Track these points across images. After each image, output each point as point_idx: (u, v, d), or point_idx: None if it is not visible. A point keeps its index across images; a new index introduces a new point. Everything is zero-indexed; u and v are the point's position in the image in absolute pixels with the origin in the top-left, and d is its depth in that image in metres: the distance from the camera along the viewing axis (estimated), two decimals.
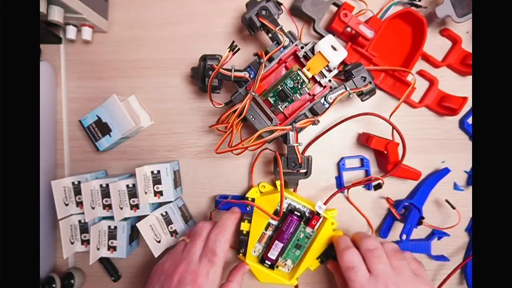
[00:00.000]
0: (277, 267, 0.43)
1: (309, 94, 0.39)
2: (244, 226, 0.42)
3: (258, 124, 0.38)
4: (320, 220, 0.41)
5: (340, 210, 0.44)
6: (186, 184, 0.46)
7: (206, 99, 0.44)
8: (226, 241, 0.37)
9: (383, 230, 0.45)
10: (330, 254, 0.41)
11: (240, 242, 0.43)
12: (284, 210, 0.42)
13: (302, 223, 0.41)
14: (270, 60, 0.37)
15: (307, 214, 0.42)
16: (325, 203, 0.42)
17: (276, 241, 0.41)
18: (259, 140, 0.37)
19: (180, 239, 0.39)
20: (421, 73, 0.43)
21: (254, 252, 0.43)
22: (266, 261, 0.42)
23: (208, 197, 0.46)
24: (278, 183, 0.41)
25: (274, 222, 0.42)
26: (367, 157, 0.45)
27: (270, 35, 0.37)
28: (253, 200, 0.42)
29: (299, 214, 0.41)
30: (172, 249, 0.38)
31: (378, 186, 0.42)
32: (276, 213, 0.41)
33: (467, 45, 0.43)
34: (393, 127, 0.40)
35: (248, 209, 0.41)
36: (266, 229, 0.43)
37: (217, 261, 0.35)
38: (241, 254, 0.43)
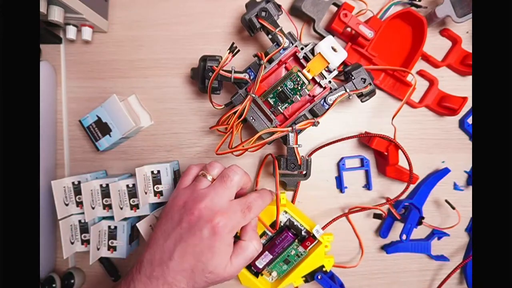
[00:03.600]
0: (262, 274, 0.43)
1: (309, 95, 0.39)
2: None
3: (258, 125, 0.38)
4: (315, 242, 0.41)
5: (337, 221, 0.44)
6: None
7: (206, 99, 0.44)
8: (261, 209, 0.35)
9: (383, 230, 0.45)
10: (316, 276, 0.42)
11: None
12: (282, 224, 0.42)
13: (296, 241, 0.42)
14: (270, 61, 0.37)
15: (303, 233, 0.42)
16: (323, 228, 0.42)
17: (267, 252, 0.42)
18: (259, 141, 0.37)
19: (199, 173, 0.36)
20: (421, 73, 0.44)
21: None
22: (252, 268, 0.42)
23: None
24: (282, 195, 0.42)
25: (270, 233, 0.42)
26: (367, 157, 0.45)
27: (270, 36, 0.37)
28: None
29: (295, 232, 0.42)
30: (190, 184, 0.35)
31: (379, 217, 0.43)
32: (273, 224, 0.41)
33: (467, 45, 0.43)
34: (398, 146, 0.40)
35: None
36: (261, 237, 0.43)
37: (248, 219, 0.33)
38: None
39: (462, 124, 0.44)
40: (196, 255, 0.31)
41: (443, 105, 0.43)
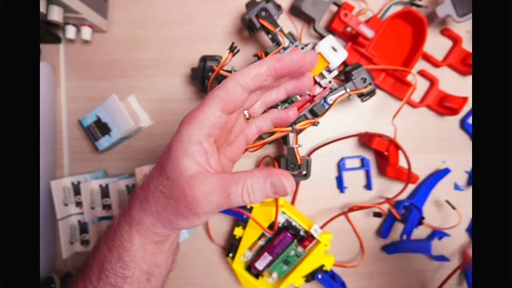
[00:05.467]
0: (263, 276, 0.43)
1: (309, 95, 0.39)
2: (238, 231, 0.42)
3: None
4: (313, 242, 0.41)
5: (337, 221, 0.44)
6: None
7: None
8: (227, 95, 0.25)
9: (383, 230, 0.45)
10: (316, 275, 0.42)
11: (231, 246, 0.43)
12: (280, 225, 0.42)
13: (295, 241, 0.41)
14: None
15: (301, 233, 0.42)
16: (322, 227, 0.42)
17: (266, 253, 0.42)
18: (259, 141, 0.37)
19: None
20: (422, 73, 0.43)
21: (244, 257, 0.43)
22: (252, 270, 0.42)
23: None
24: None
25: (268, 234, 0.42)
26: (367, 157, 0.45)
27: (270, 36, 0.37)
28: (251, 208, 0.42)
29: (293, 232, 0.42)
30: None
31: (378, 215, 0.43)
32: (271, 225, 0.41)
33: (467, 45, 0.43)
34: (398, 146, 0.40)
35: (244, 217, 0.41)
36: (259, 238, 0.43)
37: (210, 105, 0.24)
38: (229, 257, 0.43)
39: (463, 124, 0.44)
40: (156, 163, 0.25)
41: (443, 105, 0.43)
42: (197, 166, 0.23)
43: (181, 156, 0.23)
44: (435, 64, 0.43)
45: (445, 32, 0.43)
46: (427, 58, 0.43)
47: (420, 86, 0.44)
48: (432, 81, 0.43)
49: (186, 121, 0.24)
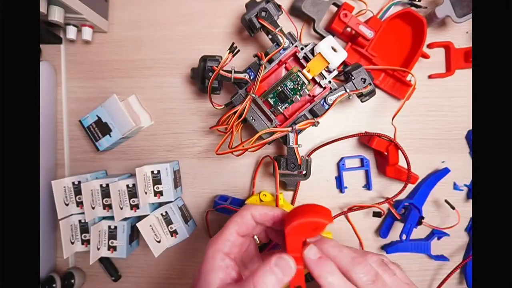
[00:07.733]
0: None
1: (309, 95, 0.39)
2: None
3: (258, 125, 0.38)
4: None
5: (337, 221, 0.44)
6: (186, 184, 0.46)
7: (206, 99, 0.44)
8: None
9: (383, 230, 0.45)
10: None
11: None
12: None
13: None
14: (270, 61, 0.37)
15: None
16: None
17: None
18: (259, 141, 0.37)
19: None
20: (431, 46, 0.43)
21: None
22: None
23: (208, 197, 0.46)
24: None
25: None
26: (367, 157, 0.45)
27: (270, 36, 0.37)
28: None
29: None
30: None
31: (378, 214, 0.43)
32: None
33: (462, 44, 0.43)
34: (397, 146, 0.40)
35: None
36: None
37: None
38: None
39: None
40: None
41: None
42: (220, 280, 0.27)
43: (207, 272, 0.28)
44: (445, 76, 0.43)
45: (432, 45, 0.43)
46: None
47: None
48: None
49: (211, 243, 0.29)
